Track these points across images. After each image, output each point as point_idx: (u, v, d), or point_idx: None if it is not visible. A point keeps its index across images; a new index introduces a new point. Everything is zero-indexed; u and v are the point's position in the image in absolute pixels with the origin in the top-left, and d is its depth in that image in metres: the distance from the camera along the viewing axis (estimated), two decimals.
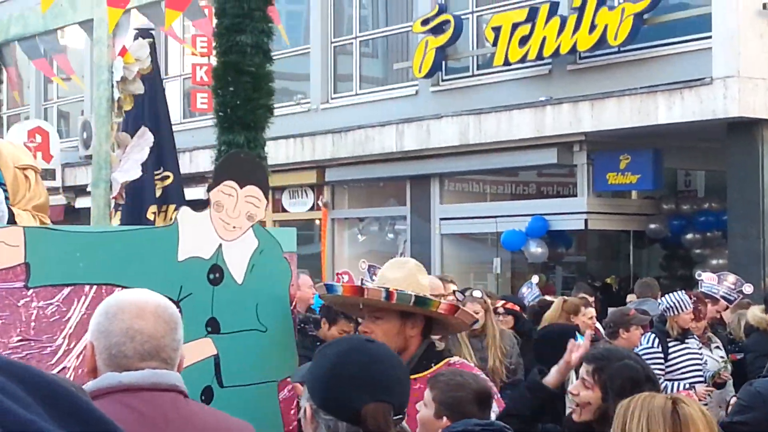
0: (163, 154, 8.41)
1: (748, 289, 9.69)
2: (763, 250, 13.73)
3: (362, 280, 13.09)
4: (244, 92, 5.80)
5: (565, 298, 10.94)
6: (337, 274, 15.77)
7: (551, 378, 4.54)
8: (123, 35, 6.51)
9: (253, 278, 4.15)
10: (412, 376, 3.94)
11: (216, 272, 4.09)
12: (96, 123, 6.64)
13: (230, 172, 4.32)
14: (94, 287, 3.83)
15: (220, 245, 4.14)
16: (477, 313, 8.92)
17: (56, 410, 0.97)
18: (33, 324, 3.82)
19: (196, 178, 18.81)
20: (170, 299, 3.66)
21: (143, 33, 6.46)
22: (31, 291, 3.91)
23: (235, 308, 3.30)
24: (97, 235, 4.37)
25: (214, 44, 5.87)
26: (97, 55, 6.49)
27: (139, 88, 6.97)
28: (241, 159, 4.89)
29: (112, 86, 6.65)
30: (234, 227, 4.18)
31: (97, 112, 6.58)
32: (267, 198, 4.40)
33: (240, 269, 4.16)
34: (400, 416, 2.83)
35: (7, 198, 4.95)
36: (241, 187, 4.21)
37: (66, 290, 3.79)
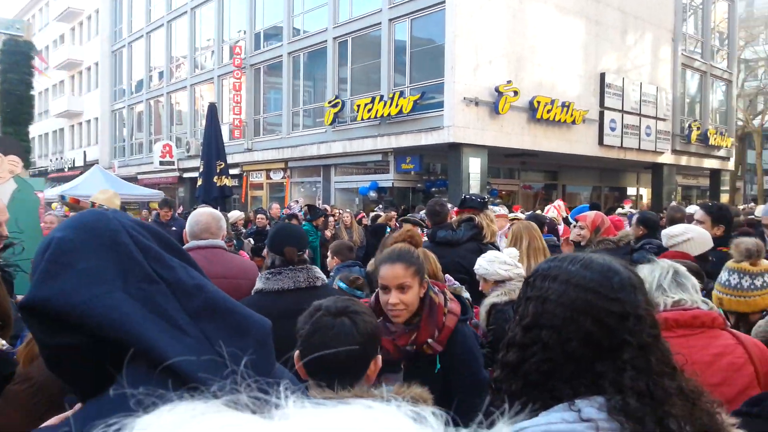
0: (220, 153, 8.24)
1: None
2: (461, 193, 11.56)
3: (289, 206, 13.23)
4: (13, 105, 3.08)
5: (396, 215, 10.51)
6: (293, 202, 15.01)
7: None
8: None
9: (13, 204, 3.34)
10: None
11: None
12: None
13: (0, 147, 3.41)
14: None
15: None
16: (348, 220, 9.57)
17: (168, 248, 0.84)
18: None
19: (231, 165, 15.08)
20: None
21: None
22: None
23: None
24: None
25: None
26: None
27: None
28: (8, 140, 3.73)
29: None
30: (1, 177, 3.41)
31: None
32: (23, 161, 3.53)
33: (5, 199, 3.36)
34: (301, 252, 2.49)
35: None
36: (5, 155, 3.42)
37: None
